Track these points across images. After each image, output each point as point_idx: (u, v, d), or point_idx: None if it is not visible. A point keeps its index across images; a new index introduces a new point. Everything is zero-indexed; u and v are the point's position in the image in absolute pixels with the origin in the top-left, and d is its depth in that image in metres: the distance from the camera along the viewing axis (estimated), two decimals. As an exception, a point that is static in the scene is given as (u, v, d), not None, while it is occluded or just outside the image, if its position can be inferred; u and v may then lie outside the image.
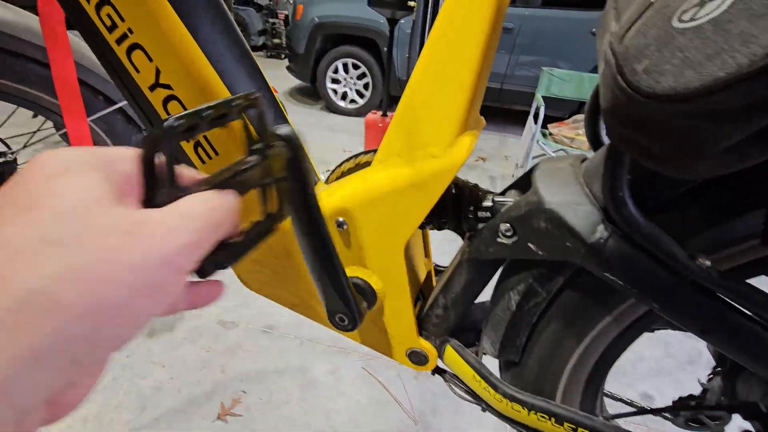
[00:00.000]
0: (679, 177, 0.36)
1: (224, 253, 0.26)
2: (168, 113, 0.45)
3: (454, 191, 0.48)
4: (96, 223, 0.17)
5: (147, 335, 1.28)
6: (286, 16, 6.46)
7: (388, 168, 0.45)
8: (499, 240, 0.44)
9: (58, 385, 0.17)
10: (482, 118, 0.51)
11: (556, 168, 0.45)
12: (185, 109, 0.44)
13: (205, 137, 0.47)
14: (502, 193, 0.50)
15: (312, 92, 4.34)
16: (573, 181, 0.42)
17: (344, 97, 3.93)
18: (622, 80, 0.26)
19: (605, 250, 0.38)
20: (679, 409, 0.61)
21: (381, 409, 1.13)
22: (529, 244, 0.42)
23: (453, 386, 0.57)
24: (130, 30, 0.41)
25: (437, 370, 0.58)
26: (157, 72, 0.43)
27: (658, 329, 0.57)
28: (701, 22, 0.23)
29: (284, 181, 0.31)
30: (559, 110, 3.31)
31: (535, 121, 2.39)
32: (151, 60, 0.42)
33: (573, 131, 2.41)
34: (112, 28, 0.41)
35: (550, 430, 0.48)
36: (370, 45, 3.68)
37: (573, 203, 0.40)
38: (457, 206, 0.48)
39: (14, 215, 0.17)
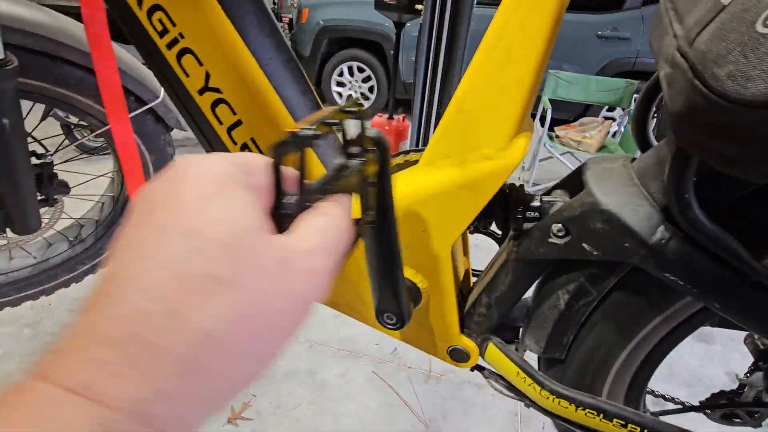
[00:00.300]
0: (758, 181, 0.36)
1: None
2: (216, 117, 0.46)
3: (500, 191, 0.47)
4: (253, 260, 0.17)
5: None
6: (291, 20, 6.48)
7: (438, 169, 0.45)
8: (550, 240, 0.44)
9: (211, 415, 0.17)
10: (531, 119, 0.51)
11: (607, 168, 0.45)
12: (234, 112, 0.45)
13: (252, 140, 0.47)
14: (548, 193, 0.50)
15: (317, 95, 4.36)
16: (629, 181, 0.42)
17: (349, 100, 3.94)
18: (702, 85, 0.26)
19: (666, 251, 0.38)
20: (725, 406, 0.61)
21: (391, 414, 1.12)
22: (584, 245, 0.42)
23: (493, 382, 0.57)
24: (181, 35, 0.42)
25: (476, 367, 0.59)
26: (207, 76, 0.43)
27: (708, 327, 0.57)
28: None
29: (373, 185, 0.30)
30: (565, 113, 3.30)
31: (542, 124, 2.38)
32: (201, 64, 0.43)
33: (580, 134, 2.41)
34: (163, 33, 0.42)
35: (597, 426, 0.48)
36: (376, 48, 3.68)
37: (632, 204, 0.40)
38: (504, 206, 0.48)
39: (177, 237, 0.16)
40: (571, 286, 0.47)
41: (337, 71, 3.82)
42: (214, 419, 1.05)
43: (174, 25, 0.41)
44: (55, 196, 1.05)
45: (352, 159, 0.28)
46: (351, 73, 3.83)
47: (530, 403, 0.54)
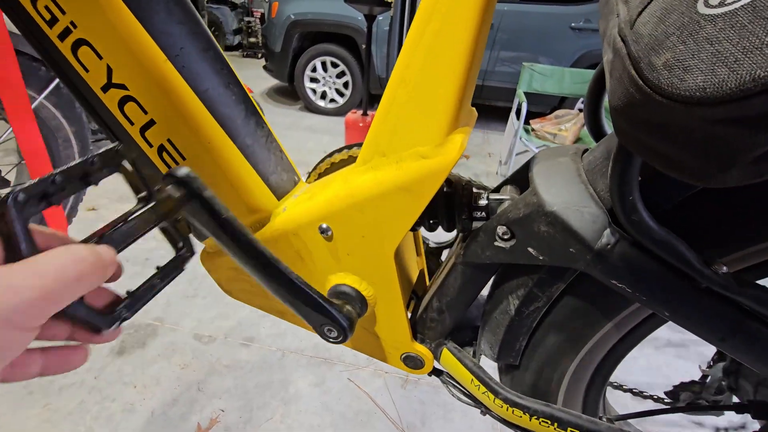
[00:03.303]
0: (698, 184, 0.33)
1: (125, 303, 0.28)
2: (125, 116, 0.41)
3: (446, 189, 0.45)
4: None
5: (117, 353, 1.20)
6: (262, 14, 6.33)
7: (373, 169, 0.43)
8: (496, 243, 0.42)
9: None
10: (474, 109, 0.48)
11: (555, 163, 0.42)
12: (144, 111, 0.41)
13: (170, 141, 0.43)
14: (497, 189, 0.47)
15: (290, 92, 4.25)
16: (576, 179, 0.39)
17: (323, 96, 3.86)
18: (638, 76, 0.22)
19: (612, 257, 0.36)
20: (691, 410, 0.63)
21: (368, 422, 1.08)
22: (529, 249, 0.40)
23: (450, 388, 0.56)
24: (73, 24, 0.37)
25: (434, 371, 0.57)
26: (109, 70, 0.39)
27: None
28: (735, 8, 0.19)
29: (181, 220, 0.33)
30: (540, 106, 3.31)
31: (518, 118, 2.37)
32: (100, 57, 0.38)
33: (555, 127, 2.40)
34: (52, 23, 0.37)
35: None
36: (348, 42, 3.61)
37: (577, 205, 0.37)
38: (449, 206, 0.45)
39: None
40: (521, 291, 0.46)
41: (310, 67, 3.73)
42: (179, 439, 0.99)
43: (63, 12, 0.36)
44: None
45: (140, 203, 0.30)
46: (324, 69, 3.75)
47: (486, 410, 0.53)
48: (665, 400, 0.69)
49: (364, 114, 2.58)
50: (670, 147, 0.23)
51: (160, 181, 0.31)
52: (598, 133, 0.45)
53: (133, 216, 0.29)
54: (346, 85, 3.76)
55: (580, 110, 2.63)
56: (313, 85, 3.82)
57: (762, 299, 0.32)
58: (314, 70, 3.75)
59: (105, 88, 0.40)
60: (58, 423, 1.01)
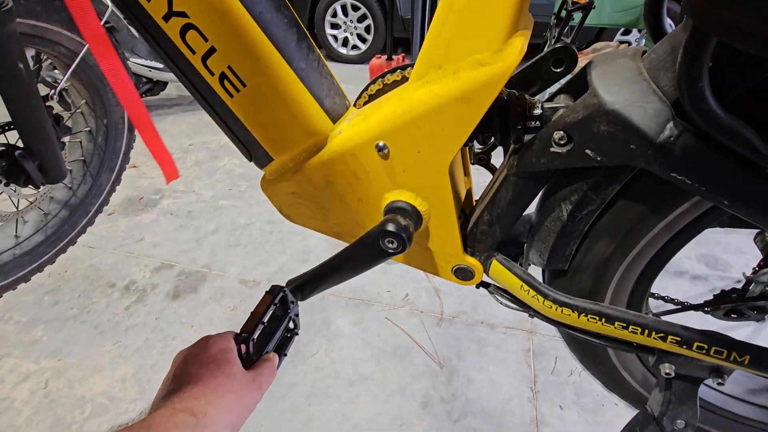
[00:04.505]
0: None
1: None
2: (187, 45, 0.43)
3: (498, 101, 0.44)
4: (240, 381, 0.45)
5: (172, 298, 1.31)
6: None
7: (429, 84, 0.42)
8: (552, 150, 0.42)
9: None
10: (530, 14, 0.46)
11: (614, 65, 0.42)
12: (205, 38, 0.42)
13: (230, 68, 0.44)
14: (550, 99, 0.47)
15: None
16: (637, 76, 0.39)
17: (345, 43, 3.73)
18: None
19: (675, 149, 0.36)
20: (738, 301, 0.62)
21: (407, 356, 1.15)
22: (587, 151, 0.40)
23: (498, 297, 0.60)
24: None
25: (481, 284, 0.60)
26: None
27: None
28: None
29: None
30: (576, 39, 3.09)
31: (551, 54, 2.23)
32: None
33: (592, 62, 2.26)
34: None
35: (600, 329, 0.50)
36: (370, -18, 3.43)
37: (640, 102, 0.36)
38: (503, 118, 0.45)
39: (211, 370, 0.44)
40: (574, 196, 0.46)
41: (330, 11, 3.59)
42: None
43: None
44: (62, 139, 1.04)
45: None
46: (345, 13, 3.60)
47: (534, 313, 0.56)
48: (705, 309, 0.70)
49: (389, 59, 2.49)
50: (762, 19, 0.22)
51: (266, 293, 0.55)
52: (658, 33, 0.44)
53: (270, 322, 0.54)
54: (368, 29, 3.61)
55: (621, 42, 2.45)
56: (334, 32, 3.69)
57: None
58: (335, 15, 3.61)
59: (166, 17, 0.40)
60: (129, 358, 1.13)
